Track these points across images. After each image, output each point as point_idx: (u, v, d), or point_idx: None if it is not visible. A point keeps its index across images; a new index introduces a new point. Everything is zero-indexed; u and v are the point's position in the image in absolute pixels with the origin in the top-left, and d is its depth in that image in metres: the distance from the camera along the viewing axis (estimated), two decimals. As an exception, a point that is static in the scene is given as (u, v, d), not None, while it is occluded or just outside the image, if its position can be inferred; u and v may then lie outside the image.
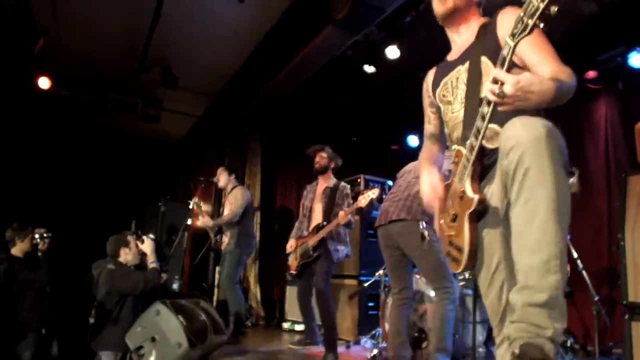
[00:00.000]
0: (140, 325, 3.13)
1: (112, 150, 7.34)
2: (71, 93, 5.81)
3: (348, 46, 4.48)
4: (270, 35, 4.83)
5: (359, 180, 5.22)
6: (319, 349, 4.07)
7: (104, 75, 5.84)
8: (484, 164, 1.52)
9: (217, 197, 6.60)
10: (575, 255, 3.46)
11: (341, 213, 3.63)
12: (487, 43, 1.61)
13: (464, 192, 1.51)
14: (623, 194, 2.60)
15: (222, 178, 4.94)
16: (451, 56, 1.81)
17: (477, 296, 3.75)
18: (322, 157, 4.07)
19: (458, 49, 1.77)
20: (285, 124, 6.65)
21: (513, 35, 1.22)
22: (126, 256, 3.70)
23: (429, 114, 1.93)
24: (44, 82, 5.39)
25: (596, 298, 3.50)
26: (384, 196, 5.12)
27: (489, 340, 3.60)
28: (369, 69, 4.74)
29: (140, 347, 3.09)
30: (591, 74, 4.27)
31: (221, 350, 3.54)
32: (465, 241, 1.49)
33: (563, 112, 1.57)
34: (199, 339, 3.11)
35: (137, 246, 3.73)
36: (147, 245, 3.68)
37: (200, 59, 5.36)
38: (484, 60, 1.59)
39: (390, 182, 5.52)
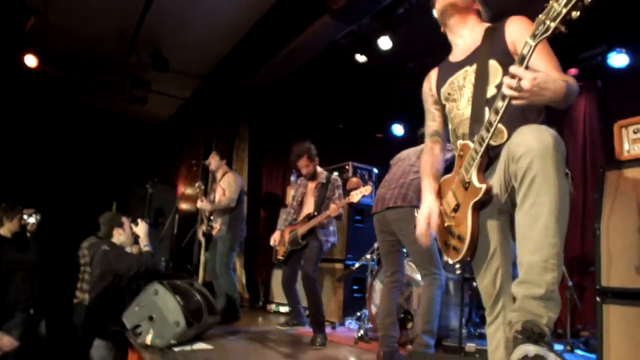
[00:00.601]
0: (138, 305, 3.21)
1: (99, 131, 7.28)
2: (59, 72, 5.72)
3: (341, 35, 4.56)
4: (263, 21, 4.86)
5: (347, 167, 5.34)
6: (306, 329, 4.22)
7: (93, 55, 5.78)
8: (489, 156, 1.64)
9: (203, 181, 6.63)
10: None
11: (333, 206, 3.71)
12: (494, 47, 1.72)
13: (469, 182, 1.62)
14: (600, 187, 2.76)
15: (214, 162, 4.97)
16: (455, 57, 1.91)
17: (464, 280, 3.95)
18: (306, 167, 4.04)
19: (463, 50, 1.87)
20: (274, 111, 6.70)
21: (534, 36, 1.33)
22: (119, 237, 3.75)
23: (433, 111, 2.01)
24: (30, 60, 5.30)
25: (569, 284, 3.73)
26: (370, 183, 5.30)
27: (469, 322, 3.80)
28: (361, 58, 4.82)
29: (138, 326, 3.17)
30: (572, 71, 4.43)
31: (213, 330, 3.64)
32: (468, 230, 1.61)
33: (545, 108, 1.71)
34: (195, 319, 3.21)
35: (131, 228, 3.78)
36: (141, 227, 3.73)
37: (192, 42, 5.36)
38: (492, 63, 1.70)
39: (375, 170, 5.68)
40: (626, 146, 2.68)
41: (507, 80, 1.40)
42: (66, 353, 3.97)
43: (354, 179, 5.22)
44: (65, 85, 5.91)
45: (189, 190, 6.24)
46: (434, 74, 2.01)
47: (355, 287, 5.06)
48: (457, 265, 3.71)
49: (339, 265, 5.06)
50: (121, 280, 3.61)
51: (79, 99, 6.77)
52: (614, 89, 4.32)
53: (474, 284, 3.91)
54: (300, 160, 4.00)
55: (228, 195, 4.71)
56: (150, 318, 3.14)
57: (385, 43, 4.52)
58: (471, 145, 1.64)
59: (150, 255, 3.64)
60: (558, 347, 3.63)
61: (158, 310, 3.13)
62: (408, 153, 3.40)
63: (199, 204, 4.80)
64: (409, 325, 3.71)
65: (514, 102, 1.41)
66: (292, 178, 6.28)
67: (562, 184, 1.35)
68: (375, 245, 4.36)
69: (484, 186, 1.57)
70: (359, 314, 4.38)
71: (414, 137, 3.61)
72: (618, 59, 4.14)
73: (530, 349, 1.19)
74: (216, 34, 5.25)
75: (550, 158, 1.33)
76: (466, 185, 1.64)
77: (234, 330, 4.02)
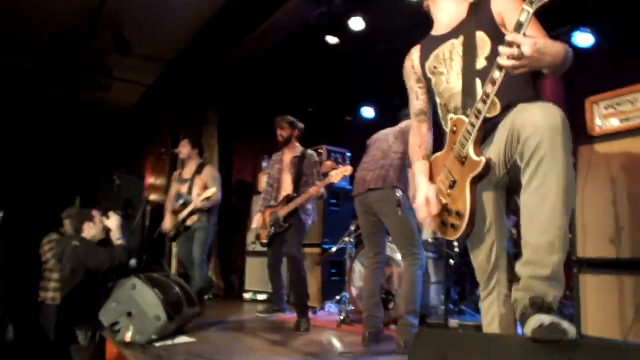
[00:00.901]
0: (115, 301, 3.09)
1: (60, 121, 6.88)
2: (13, 59, 5.35)
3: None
4: (232, 2, 4.68)
5: (320, 150, 5.29)
6: (287, 316, 4.20)
7: (51, 40, 5.41)
8: (485, 129, 1.61)
9: (171, 171, 6.44)
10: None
11: (314, 187, 3.67)
12: (481, 19, 1.70)
13: (466, 156, 1.60)
14: (574, 162, 2.85)
15: (185, 150, 4.80)
16: (438, 31, 1.88)
17: (439, 258, 4.02)
18: (283, 129, 4.05)
19: (447, 24, 1.84)
20: (243, 95, 6.54)
21: (531, 2, 1.32)
22: (90, 231, 3.60)
23: (416, 90, 1.97)
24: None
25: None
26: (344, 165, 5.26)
27: (448, 299, 3.87)
28: (332, 39, 4.75)
29: (116, 323, 3.06)
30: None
31: (193, 322, 3.56)
32: (467, 205, 1.59)
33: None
34: (176, 312, 3.12)
35: (101, 221, 3.63)
36: (113, 220, 3.59)
37: (156, 24, 5.10)
38: (479, 35, 1.69)
39: (348, 153, 5.66)
40: (598, 122, 2.75)
41: (504, 49, 1.37)
42: (37, 358, 3.81)
43: (328, 162, 5.18)
44: (21, 73, 5.54)
45: (157, 181, 6.05)
46: (415, 51, 1.98)
47: (333, 271, 5.07)
48: (455, 243, 3.78)
49: (315, 250, 5.04)
50: (94, 276, 3.47)
51: (37, 87, 6.38)
52: (579, 69, 4.41)
53: (451, 261, 4.01)
54: (279, 125, 4.00)
55: (216, 191, 4.58)
56: (129, 314, 3.03)
57: (357, 24, 4.46)
58: (465, 119, 1.62)
59: (124, 249, 3.51)
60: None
61: (137, 305, 3.02)
62: (386, 133, 3.38)
63: (197, 203, 4.58)
64: (391, 305, 3.76)
65: (515, 71, 1.40)
66: (264, 164, 6.19)
67: (570, 165, 1.35)
68: (352, 227, 4.37)
69: (483, 159, 1.55)
70: (338, 297, 4.39)
71: (385, 120, 3.61)
72: (583, 39, 4.24)
73: (544, 318, 1.20)
74: (182, 16, 5.03)
75: (559, 138, 1.33)
76: (463, 160, 1.62)
77: (213, 321, 3.95)
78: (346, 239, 4.39)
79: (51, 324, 3.73)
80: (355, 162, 4.80)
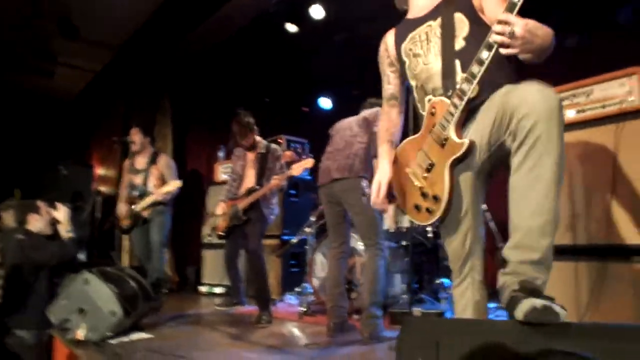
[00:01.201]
0: (66, 297, 2.91)
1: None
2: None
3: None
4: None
5: (280, 140, 5.22)
6: (246, 308, 4.12)
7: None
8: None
9: (122, 161, 6.14)
10: (485, 207, 3.85)
11: (274, 180, 3.59)
12: (459, 1, 1.70)
13: (447, 138, 1.58)
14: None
15: (137, 139, 4.59)
16: (415, 14, 1.87)
17: (398, 248, 4.05)
18: (244, 137, 3.83)
19: (423, 7, 1.83)
20: (197, 83, 6.32)
21: None
22: (36, 223, 3.35)
23: (388, 74, 1.96)
24: None
25: (499, 245, 3.97)
26: (304, 157, 5.20)
27: (409, 288, 3.92)
28: (292, 28, 4.66)
29: (66, 320, 2.87)
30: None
31: (149, 318, 3.42)
32: (446, 189, 1.57)
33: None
34: (132, 306, 2.98)
35: (48, 213, 3.39)
36: (62, 212, 3.35)
37: (105, 7, 4.81)
38: (458, 16, 1.68)
39: (307, 144, 5.61)
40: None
41: (497, 27, 1.36)
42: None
43: (288, 152, 5.12)
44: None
45: (107, 171, 5.74)
46: (390, 35, 1.97)
47: (292, 262, 5.03)
48: (429, 228, 3.81)
49: (274, 241, 4.97)
50: (40, 271, 3.24)
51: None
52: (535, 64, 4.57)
53: (410, 250, 4.06)
54: (240, 131, 3.81)
55: (173, 181, 4.43)
56: (81, 310, 2.85)
57: (317, 12, 4.40)
58: (447, 100, 1.60)
59: (74, 242, 3.29)
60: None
61: (90, 301, 2.85)
62: (349, 122, 3.34)
63: (159, 196, 4.39)
64: (353, 295, 3.75)
65: (504, 51, 1.39)
66: (220, 154, 6.03)
67: (563, 147, 1.34)
68: (313, 219, 4.33)
69: (466, 141, 1.54)
70: (298, 289, 4.35)
71: (343, 111, 3.58)
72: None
73: (536, 302, 1.18)
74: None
75: (555, 119, 1.32)
76: (443, 143, 1.60)
77: (171, 316, 3.81)
78: (307, 229, 4.34)
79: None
80: (313, 153, 4.76)
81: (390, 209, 4.39)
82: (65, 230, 3.31)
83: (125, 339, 2.89)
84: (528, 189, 1.35)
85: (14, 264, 3.14)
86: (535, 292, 1.28)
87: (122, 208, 4.64)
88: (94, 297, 2.85)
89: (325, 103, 7.07)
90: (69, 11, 4.74)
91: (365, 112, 3.32)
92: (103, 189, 6.20)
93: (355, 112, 3.46)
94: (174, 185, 4.36)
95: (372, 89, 3.53)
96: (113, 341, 2.81)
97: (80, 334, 2.79)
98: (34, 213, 3.35)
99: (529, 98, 1.36)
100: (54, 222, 3.40)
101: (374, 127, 3.13)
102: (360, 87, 4.67)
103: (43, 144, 6.64)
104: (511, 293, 1.32)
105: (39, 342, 3.19)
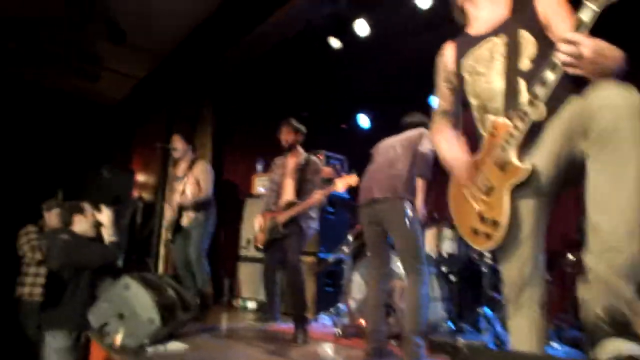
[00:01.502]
0: (106, 301, 2.90)
1: (41, 110, 6.52)
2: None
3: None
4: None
5: (319, 156, 5.17)
6: (280, 326, 4.03)
7: (40, 22, 5.12)
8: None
9: (163, 168, 6.21)
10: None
11: (316, 196, 3.54)
12: (525, 17, 1.62)
13: (507, 162, 1.50)
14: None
15: (180, 146, 4.63)
16: (477, 30, 1.80)
17: (439, 274, 3.91)
18: (287, 134, 3.93)
19: (484, 22, 1.77)
20: (239, 94, 6.36)
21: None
22: (82, 224, 3.38)
23: (442, 89, 1.91)
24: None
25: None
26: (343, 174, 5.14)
27: (450, 316, 3.76)
28: (335, 42, 4.62)
29: (105, 325, 2.86)
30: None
31: (184, 328, 3.38)
32: (504, 214, 1.48)
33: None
34: (170, 316, 2.95)
35: (93, 215, 3.42)
36: (106, 214, 3.38)
37: (154, 13, 4.89)
38: (524, 35, 1.60)
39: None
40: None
41: (563, 47, 1.27)
42: (14, 354, 3.56)
43: (327, 169, 5.06)
44: (3, 54, 5.19)
45: (148, 178, 5.80)
46: (449, 48, 1.90)
47: (328, 281, 4.92)
48: (488, 254, 3.67)
49: (311, 258, 4.89)
50: (82, 273, 3.26)
51: (20, 72, 6.03)
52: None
53: (452, 277, 3.91)
54: (286, 127, 3.92)
55: (205, 187, 4.44)
56: (120, 316, 2.84)
57: (361, 28, 4.35)
58: (508, 122, 1.52)
59: (117, 246, 3.31)
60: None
61: (129, 307, 2.84)
62: (393, 142, 3.26)
63: (181, 198, 4.44)
64: (391, 319, 3.62)
65: (571, 71, 1.29)
66: (259, 167, 6.03)
67: None
68: (350, 238, 4.23)
69: (528, 166, 1.45)
70: (332, 309, 4.23)
71: (382, 130, 3.50)
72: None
73: (622, 347, 1.06)
74: (181, 8, 4.82)
75: (638, 117, 1.21)
76: (503, 166, 1.52)
77: (205, 328, 3.75)
78: (344, 248, 4.24)
79: (32, 322, 3.50)
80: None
81: (431, 233, 4.27)
82: (109, 234, 3.33)
83: (161, 347, 2.86)
84: (612, 189, 1.23)
85: (57, 264, 3.17)
86: (624, 328, 1.15)
87: (167, 213, 4.67)
88: (133, 303, 2.83)
89: (363, 121, 7.02)
90: (116, 16, 4.83)
91: (409, 133, 3.24)
92: (144, 195, 6.28)
93: (393, 132, 3.38)
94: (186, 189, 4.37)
95: (411, 108, 3.47)
96: (149, 349, 2.78)
97: (118, 339, 2.77)
98: (79, 214, 3.38)
99: (606, 100, 1.26)
100: (97, 225, 3.43)
101: (418, 148, 3.06)
102: (403, 105, 4.60)
103: (86, 146, 6.78)
104: (595, 320, 1.19)
105: (75, 344, 3.20)
